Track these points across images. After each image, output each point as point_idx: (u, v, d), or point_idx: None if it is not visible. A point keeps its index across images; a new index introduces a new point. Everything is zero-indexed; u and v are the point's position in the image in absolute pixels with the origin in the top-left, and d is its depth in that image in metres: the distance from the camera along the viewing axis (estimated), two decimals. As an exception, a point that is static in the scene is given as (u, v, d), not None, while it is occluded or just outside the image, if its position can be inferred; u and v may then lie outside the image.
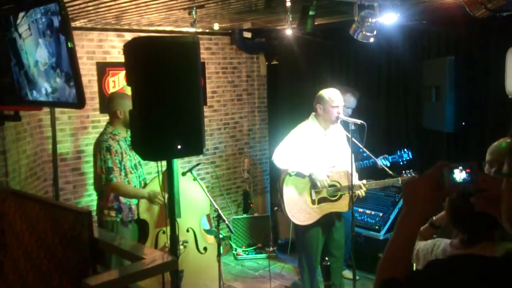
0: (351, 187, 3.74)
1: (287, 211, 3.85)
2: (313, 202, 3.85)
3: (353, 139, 3.80)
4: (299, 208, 3.85)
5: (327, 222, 3.95)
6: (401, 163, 4.52)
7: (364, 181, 3.89)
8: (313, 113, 3.96)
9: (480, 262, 1.04)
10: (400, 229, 1.22)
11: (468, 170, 1.14)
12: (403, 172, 3.99)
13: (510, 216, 1.02)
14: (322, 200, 3.87)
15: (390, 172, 4.03)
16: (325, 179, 3.79)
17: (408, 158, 4.53)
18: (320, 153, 3.87)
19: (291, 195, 3.85)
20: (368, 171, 4.53)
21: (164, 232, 3.75)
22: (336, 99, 3.83)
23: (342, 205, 3.91)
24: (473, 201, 1.16)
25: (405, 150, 4.56)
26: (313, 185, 3.82)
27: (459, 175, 1.15)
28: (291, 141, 3.91)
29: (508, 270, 0.97)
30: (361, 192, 3.86)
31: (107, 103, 3.85)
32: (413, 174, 3.99)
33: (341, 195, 3.90)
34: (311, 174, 3.79)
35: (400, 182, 3.96)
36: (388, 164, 4.39)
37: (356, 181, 3.85)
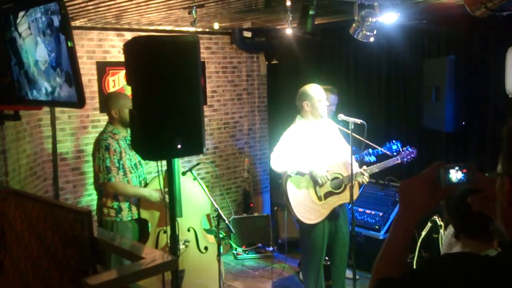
0: (351, 179, 3.73)
1: (295, 212, 3.82)
2: (319, 198, 3.83)
3: (353, 134, 3.80)
4: (307, 208, 3.83)
5: (332, 219, 3.93)
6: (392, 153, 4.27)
7: (365, 167, 3.90)
8: (299, 114, 3.99)
9: (475, 261, 1.04)
10: (396, 229, 1.23)
11: (464, 171, 1.14)
12: (401, 150, 4.00)
13: (503, 216, 1.02)
14: (328, 195, 3.86)
15: (388, 152, 4.02)
16: (325, 175, 3.79)
17: (398, 149, 4.18)
18: (316, 147, 3.85)
19: (296, 196, 3.83)
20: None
21: (165, 232, 3.75)
22: (319, 93, 3.88)
23: (347, 196, 3.89)
24: (469, 201, 1.17)
25: (394, 141, 4.25)
26: (315, 182, 3.82)
27: (455, 175, 1.14)
28: (285, 143, 3.89)
29: (503, 269, 0.97)
30: (364, 179, 3.88)
31: (104, 103, 3.90)
32: (410, 150, 4.00)
33: (345, 186, 3.89)
34: (311, 172, 3.78)
35: (399, 160, 3.97)
36: (375, 159, 4.15)
37: (356, 169, 3.85)
